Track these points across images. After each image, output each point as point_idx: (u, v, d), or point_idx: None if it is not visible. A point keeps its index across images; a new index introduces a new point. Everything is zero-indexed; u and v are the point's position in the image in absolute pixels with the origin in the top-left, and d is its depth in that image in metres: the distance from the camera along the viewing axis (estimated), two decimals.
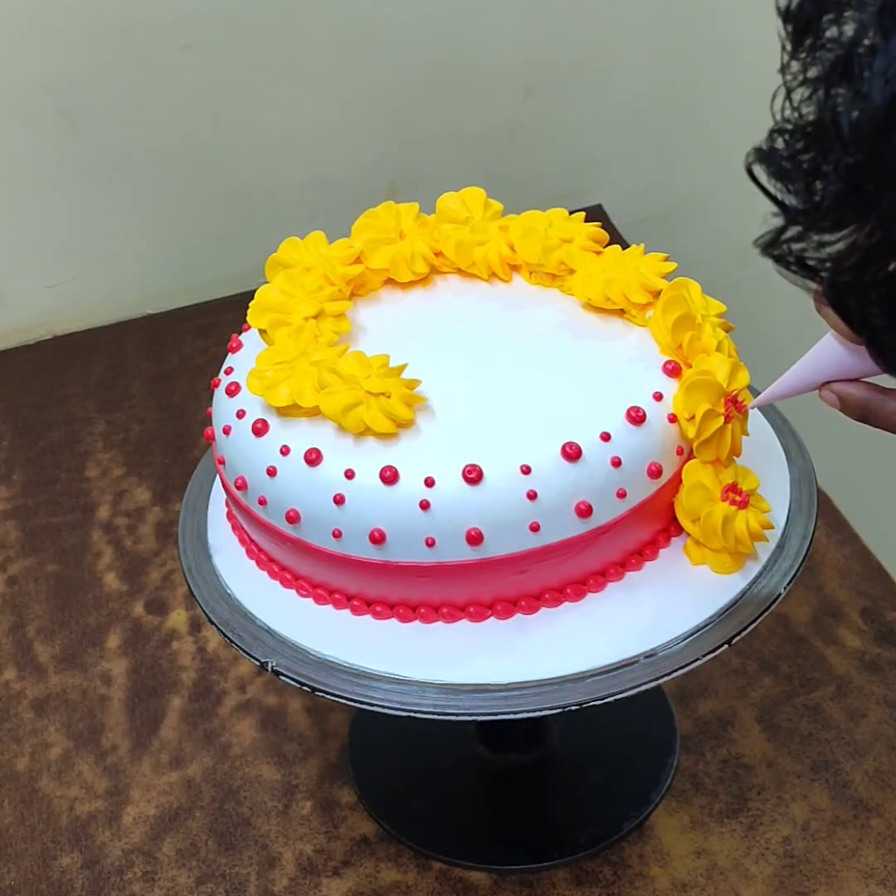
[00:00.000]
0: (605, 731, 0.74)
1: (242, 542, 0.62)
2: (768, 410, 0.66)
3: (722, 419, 0.55)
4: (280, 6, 1.05)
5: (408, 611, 0.56)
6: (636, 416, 0.54)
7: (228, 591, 0.61)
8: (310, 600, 0.58)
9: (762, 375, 0.74)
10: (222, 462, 0.60)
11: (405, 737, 0.75)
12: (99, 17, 1.01)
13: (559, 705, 0.53)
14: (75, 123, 1.05)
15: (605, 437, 0.54)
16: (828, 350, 0.51)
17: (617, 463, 0.54)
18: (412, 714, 0.54)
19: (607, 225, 0.64)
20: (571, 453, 0.53)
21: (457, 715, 0.53)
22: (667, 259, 0.61)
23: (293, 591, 0.59)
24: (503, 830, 0.71)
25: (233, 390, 0.59)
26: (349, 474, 0.54)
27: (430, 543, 0.53)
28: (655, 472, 0.55)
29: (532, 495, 0.53)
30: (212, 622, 0.59)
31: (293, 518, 0.55)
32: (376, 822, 0.71)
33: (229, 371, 0.61)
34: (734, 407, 0.56)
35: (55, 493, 0.96)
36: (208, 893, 0.68)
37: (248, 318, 0.61)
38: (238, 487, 0.58)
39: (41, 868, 0.71)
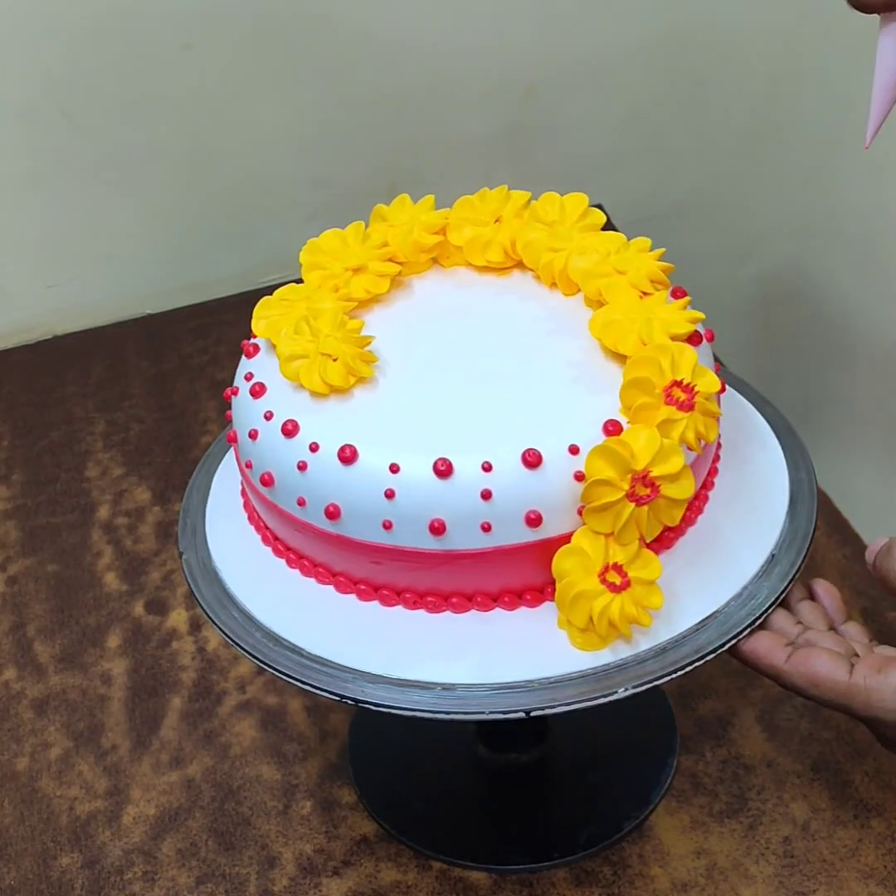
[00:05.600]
0: (605, 730, 0.74)
1: (243, 541, 0.62)
2: (768, 410, 0.66)
3: (620, 494, 0.52)
4: (280, 6, 1.05)
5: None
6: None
7: (228, 590, 0.61)
8: (310, 600, 0.58)
9: (762, 375, 0.74)
10: (249, 466, 0.59)
11: (405, 737, 0.75)
12: (99, 16, 1.01)
13: (559, 705, 0.53)
14: (75, 123, 1.05)
15: None
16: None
17: None
18: (412, 714, 0.54)
19: (607, 225, 0.64)
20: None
21: (456, 715, 0.53)
22: (687, 305, 0.58)
23: (293, 591, 0.59)
24: (503, 830, 0.71)
25: (258, 391, 0.59)
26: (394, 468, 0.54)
27: (487, 528, 0.53)
28: None
29: (579, 477, 0.53)
30: (212, 622, 0.59)
31: (333, 514, 0.55)
32: (376, 822, 0.71)
33: (249, 376, 0.60)
34: (644, 487, 0.52)
35: (55, 493, 0.96)
36: (208, 893, 0.68)
37: (300, 255, 0.63)
38: (266, 486, 0.57)
39: (41, 868, 0.71)
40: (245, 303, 0.62)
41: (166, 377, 1.07)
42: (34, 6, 1.00)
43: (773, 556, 0.59)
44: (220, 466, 0.68)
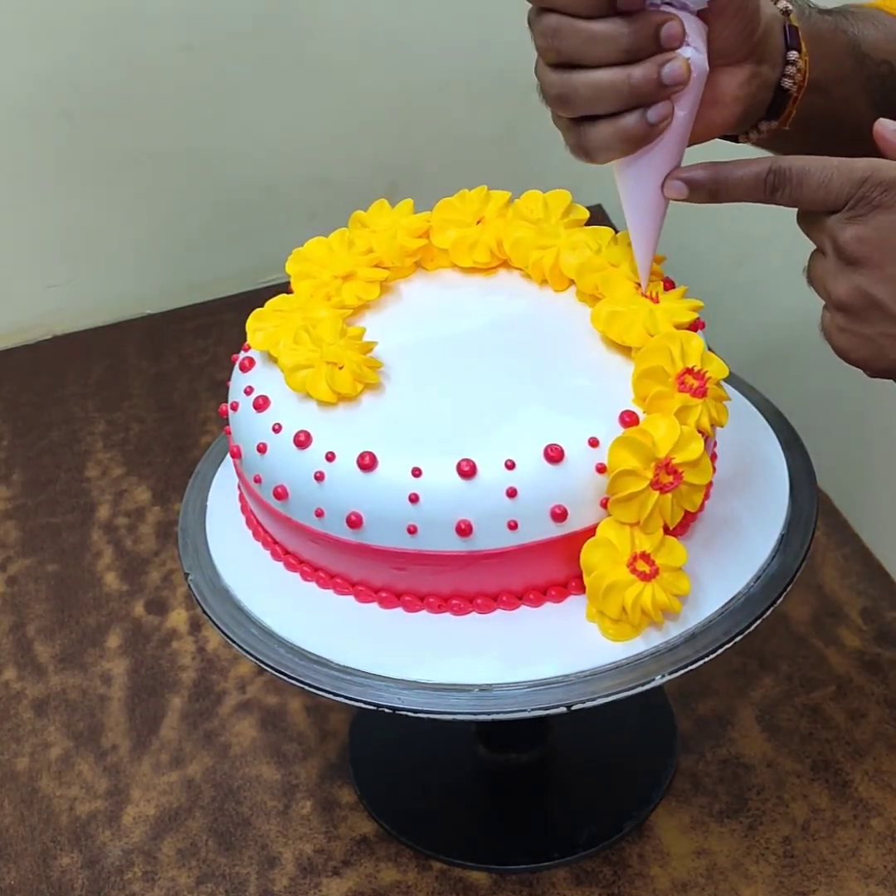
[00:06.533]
0: (606, 730, 0.74)
1: (251, 557, 0.62)
2: (768, 411, 0.66)
3: (644, 483, 0.53)
4: (280, 6, 1.05)
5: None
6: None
7: (228, 590, 0.61)
8: (331, 611, 0.58)
9: (760, 374, 0.74)
10: (258, 480, 0.58)
11: (405, 737, 0.75)
12: (99, 16, 1.01)
13: (559, 705, 0.53)
14: (75, 123, 1.05)
15: None
16: (634, 173, 0.54)
17: None
18: (452, 718, 0.53)
19: (607, 225, 0.64)
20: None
21: (497, 715, 0.53)
22: (684, 294, 0.58)
23: (312, 604, 0.58)
24: (503, 830, 0.71)
25: (262, 404, 0.58)
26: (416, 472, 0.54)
27: (513, 527, 0.53)
28: None
29: (601, 469, 0.53)
30: (212, 622, 0.59)
31: (355, 522, 0.55)
32: (376, 822, 0.71)
33: (249, 390, 0.60)
34: (668, 475, 0.53)
35: (55, 493, 0.96)
36: (208, 893, 0.68)
37: (287, 265, 0.62)
38: (280, 500, 0.57)
39: (41, 868, 0.71)
40: (245, 303, 0.62)
41: (166, 377, 1.07)
42: (34, 6, 1.00)
43: (783, 536, 0.59)
44: (213, 484, 0.67)
